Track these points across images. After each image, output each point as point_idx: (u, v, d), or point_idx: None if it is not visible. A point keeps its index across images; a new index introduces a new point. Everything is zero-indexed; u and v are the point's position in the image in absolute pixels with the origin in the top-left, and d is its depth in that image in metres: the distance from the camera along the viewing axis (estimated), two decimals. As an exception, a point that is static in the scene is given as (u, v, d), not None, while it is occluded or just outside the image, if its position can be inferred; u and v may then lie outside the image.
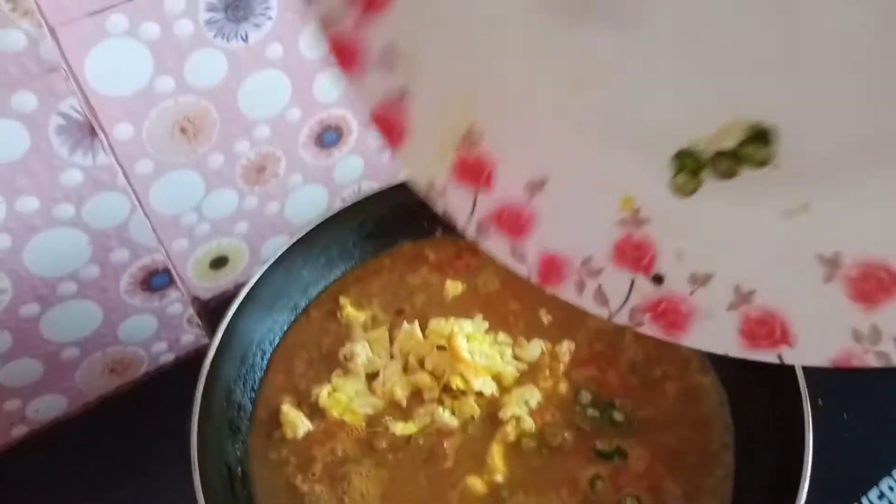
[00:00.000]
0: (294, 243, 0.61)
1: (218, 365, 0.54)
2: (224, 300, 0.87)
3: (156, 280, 0.75)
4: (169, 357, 0.82)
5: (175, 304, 0.78)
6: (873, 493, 0.62)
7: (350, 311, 0.64)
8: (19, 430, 0.76)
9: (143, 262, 0.72)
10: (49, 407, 0.77)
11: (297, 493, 0.54)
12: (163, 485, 0.72)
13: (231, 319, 0.56)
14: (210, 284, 0.85)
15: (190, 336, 0.82)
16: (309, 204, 0.83)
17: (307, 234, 0.61)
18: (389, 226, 0.68)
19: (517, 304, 0.64)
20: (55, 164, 0.61)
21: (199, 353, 0.83)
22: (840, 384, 0.64)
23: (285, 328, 0.63)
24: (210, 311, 0.84)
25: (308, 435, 0.57)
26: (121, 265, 0.71)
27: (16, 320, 0.68)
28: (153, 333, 0.79)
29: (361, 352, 0.60)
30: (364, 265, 0.67)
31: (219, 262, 0.84)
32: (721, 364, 0.59)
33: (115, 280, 0.72)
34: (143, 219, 0.70)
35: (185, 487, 0.71)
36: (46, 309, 0.69)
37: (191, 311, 0.80)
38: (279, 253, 0.60)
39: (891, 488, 0.62)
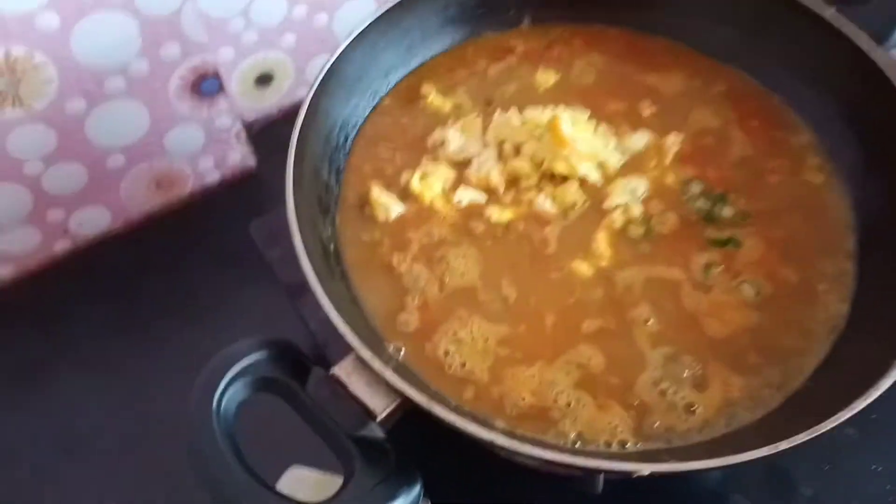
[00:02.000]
0: (377, 18, 0.55)
1: (304, 138, 0.49)
2: (269, 123, 0.82)
3: (205, 85, 0.69)
4: (215, 176, 0.77)
5: (223, 116, 0.73)
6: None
7: (435, 98, 0.58)
8: (62, 245, 0.72)
9: (193, 62, 0.67)
10: (92, 221, 0.72)
11: (393, 272, 0.50)
12: (209, 306, 0.70)
13: (313, 95, 0.51)
14: (254, 105, 0.80)
15: (237, 154, 0.77)
16: (358, 19, 0.77)
17: (390, 9, 0.55)
18: (473, 12, 0.61)
19: (615, 96, 0.59)
20: (104, -71, 0.55)
21: (245, 175, 0.79)
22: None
23: (366, 113, 0.58)
24: (254, 134, 0.79)
25: (401, 218, 0.53)
26: (170, 63, 0.65)
27: (62, 117, 0.63)
28: (200, 147, 0.74)
29: (454, 137, 0.55)
30: (446, 53, 0.61)
31: (264, 79, 0.78)
32: (840, 157, 0.55)
33: (164, 80, 0.66)
34: (195, 10, 0.64)
35: (235, 311, 0.68)
36: (93, 106, 0.64)
37: (239, 125, 0.75)
38: (363, 27, 0.54)
39: None
